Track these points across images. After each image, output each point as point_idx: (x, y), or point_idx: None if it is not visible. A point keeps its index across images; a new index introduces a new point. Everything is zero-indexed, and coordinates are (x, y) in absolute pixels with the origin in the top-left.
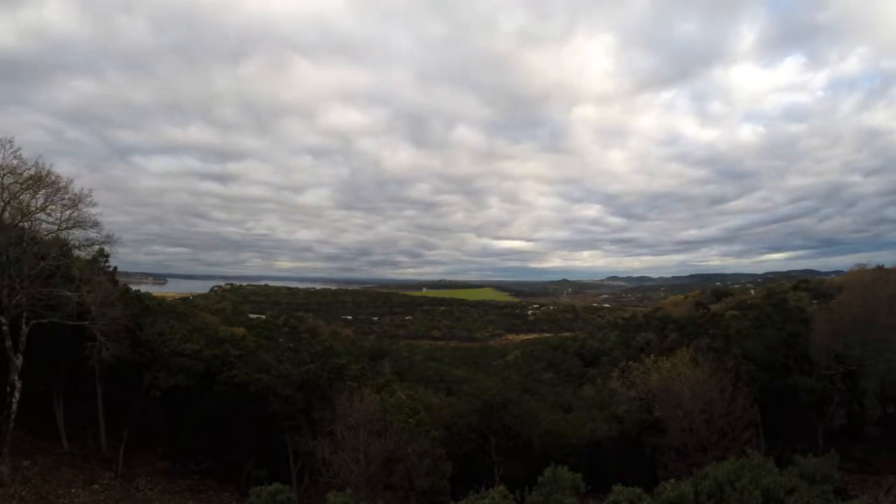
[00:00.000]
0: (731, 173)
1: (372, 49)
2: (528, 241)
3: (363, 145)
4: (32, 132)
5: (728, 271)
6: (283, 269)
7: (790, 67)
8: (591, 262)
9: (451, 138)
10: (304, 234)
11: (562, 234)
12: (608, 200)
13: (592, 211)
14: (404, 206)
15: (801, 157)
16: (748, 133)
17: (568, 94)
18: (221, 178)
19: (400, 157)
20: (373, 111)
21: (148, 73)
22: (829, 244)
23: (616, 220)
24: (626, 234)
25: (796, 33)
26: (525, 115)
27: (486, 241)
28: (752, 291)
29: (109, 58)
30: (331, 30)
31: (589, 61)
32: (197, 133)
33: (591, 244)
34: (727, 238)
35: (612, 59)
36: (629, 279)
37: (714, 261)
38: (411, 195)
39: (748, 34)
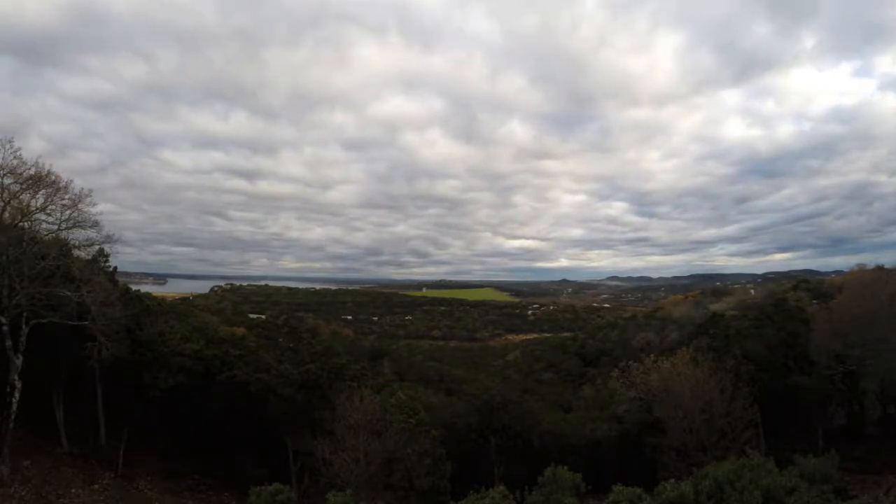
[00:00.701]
0: (764, 172)
1: (448, 35)
2: (543, 239)
3: (406, 139)
4: (60, 124)
5: (728, 271)
6: (288, 269)
7: (846, 71)
8: (599, 262)
9: (500, 134)
10: (317, 233)
11: (577, 232)
12: (636, 198)
13: (615, 210)
14: (429, 204)
15: (836, 157)
16: (791, 134)
17: (629, 94)
18: (250, 175)
19: (440, 151)
20: (429, 101)
21: (194, 56)
22: (840, 243)
23: (636, 219)
24: (642, 234)
25: (856, 38)
26: (581, 115)
27: (500, 239)
28: (752, 291)
29: (154, 38)
30: (407, 10)
31: (657, 64)
32: (235, 125)
33: (603, 244)
34: (741, 237)
35: (677, 62)
36: (629, 279)
37: (720, 260)
38: (439, 192)
39: (810, 38)
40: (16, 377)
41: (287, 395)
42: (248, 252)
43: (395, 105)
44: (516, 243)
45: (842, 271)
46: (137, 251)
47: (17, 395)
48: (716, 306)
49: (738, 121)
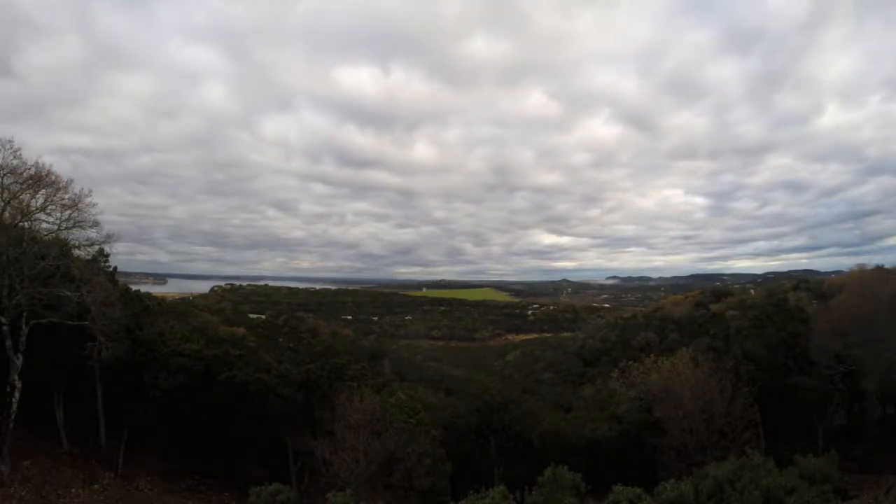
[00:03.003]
0: (866, 171)
1: None
2: (594, 237)
3: (573, 123)
4: (163, 76)
5: (728, 271)
6: (298, 269)
7: None
8: (621, 262)
9: (669, 123)
10: (360, 231)
11: (628, 229)
12: (724, 192)
13: (691, 206)
14: (517, 198)
15: None
16: None
17: (814, 92)
18: (362, 164)
19: (584, 137)
20: (640, 75)
21: None
22: (870, 241)
23: (701, 217)
24: (692, 232)
25: None
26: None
27: (545, 236)
28: (753, 291)
29: None
30: None
31: (845, 63)
32: (396, 89)
33: (643, 241)
34: (781, 234)
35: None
36: (629, 279)
37: (734, 259)
38: (535, 182)
39: None
40: (16, 377)
41: (287, 395)
42: (273, 250)
43: (603, 79)
44: (550, 240)
45: (842, 271)
46: (152, 250)
47: (17, 395)
48: (716, 306)
49: (877, 123)
